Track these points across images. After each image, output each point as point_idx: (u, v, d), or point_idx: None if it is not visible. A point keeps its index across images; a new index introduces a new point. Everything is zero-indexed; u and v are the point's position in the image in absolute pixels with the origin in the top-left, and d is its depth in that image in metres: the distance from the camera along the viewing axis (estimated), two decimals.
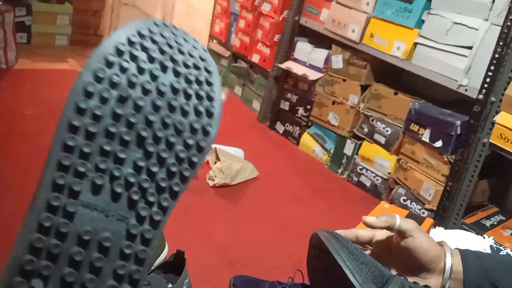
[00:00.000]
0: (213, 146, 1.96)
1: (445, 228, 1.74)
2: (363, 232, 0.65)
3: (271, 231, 1.63)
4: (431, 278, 0.61)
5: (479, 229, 1.68)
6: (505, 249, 0.72)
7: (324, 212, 1.81)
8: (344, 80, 2.17)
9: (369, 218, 0.63)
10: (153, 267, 1.18)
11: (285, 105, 2.48)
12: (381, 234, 0.66)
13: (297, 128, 2.42)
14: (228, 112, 2.63)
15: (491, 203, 1.88)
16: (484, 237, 0.76)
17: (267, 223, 1.67)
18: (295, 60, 2.41)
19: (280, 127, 2.52)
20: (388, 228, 0.61)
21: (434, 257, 0.60)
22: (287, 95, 2.47)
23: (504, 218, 1.78)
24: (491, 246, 0.73)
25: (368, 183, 2.08)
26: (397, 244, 0.62)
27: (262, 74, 2.64)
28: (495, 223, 1.75)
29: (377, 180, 2.05)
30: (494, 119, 1.56)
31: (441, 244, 0.64)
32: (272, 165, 2.14)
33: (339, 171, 2.20)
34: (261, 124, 2.58)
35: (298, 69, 2.33)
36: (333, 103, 2.21)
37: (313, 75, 2.25)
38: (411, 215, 1.76)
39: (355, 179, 2.13)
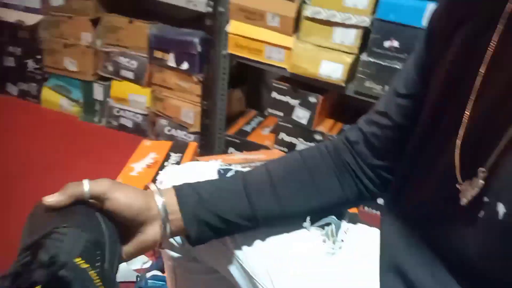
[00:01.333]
0: None
1: (213, 146, 1.78)
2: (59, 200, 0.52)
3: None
4: (148, 229, 0.56)
5: (242, 136, 1.76)
6: (233, 167, 0.72)
7: (88, 171, 1.62)
8: (70, 18, 1.89)
9: (50, 199, 0.51)
10: None
11: (9, 61, 2.07)
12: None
13: (34, 84, 2.07)
14: None
15: (250, 108, 1.98)
16: (214, 162, 0.74)
17: (15, 208, 1.41)
18: (5, 5, 1.99)
19: (12, 89, 2.11)
20: (79, 198, 0.52)
21: (141, 208, 0.55)
22: (9, 49, 2.06)
23: (262, 119, 1.91)
24: (218, 171, 0.71)
25: (129, 124, 1.95)
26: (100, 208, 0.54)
27: None
28: (254, 126, 1.86)
29: (138, 118, 1.93)
30: (226, 29, 1.56)
31: (148, 187, 0.59)
32: (12, 139, 1.80)
33: (95, 119, 2.00)
34: None
35: (10, 16, 1.93)
36: (65, 46, 1.93)
37: (30, 19, 1.90)
38: (176, 144, 1.73)
39: (115, 123, 1.97)
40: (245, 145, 1.74)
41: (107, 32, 1.87)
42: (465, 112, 0.49)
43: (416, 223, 0.55)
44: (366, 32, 1.38)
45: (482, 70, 0.48)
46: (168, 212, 0.57)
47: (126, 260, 0.57)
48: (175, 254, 0.74)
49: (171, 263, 0.76)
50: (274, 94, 1.63)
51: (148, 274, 1.21)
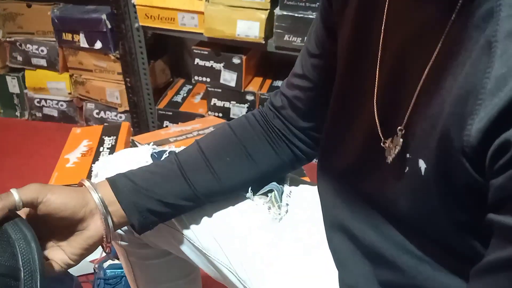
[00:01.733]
0: None
1: (146, 122, 1.73)
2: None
3: None
4: (90, 224, 0.55)
5: (174, 107, 1.71)
6: (168, 149, 0.70)
7: (21, 169, 1.55)
8: None
9: None
10: None
11: None
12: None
13: None
14: None
15: (177, 77, 1.91)
16: (146, 146, 0.72)
17: None
18: None
19: None
20: (13, 209, 0.50)
21: (77, 205, 0.54)
22: None
23: (191, 87, 1.86)
24: (151, 155, 0.69)
25: (55, 113, 1.86)
26: (36, 215, 0.53)
27: None
28: (185, 95, 1.81)
29: (62, 105, 1.84)
30: (133, 1, 1.47)
31: (81, 184, 0.57)
32: None
33: (17, 114, 1.89)
34: None
35: None
36: None
37: None
38: (106, 128, 1.67)
39: (39, 114, 1.87)
40: (179, 117, 1.70)
41: (6, 21, 1.72)
42: (376, 70, 0.48)
43: (348, 180, 0.56)
44: None
45: (383, 25, 0.47)
46: (106, 205, 0.56)
47: (74, 264, 0.55)
48: (125, 243, 0.73)
49: (124, 253, 0.76)
50: (197, 60, 1.57)
51: (105, 264, 1.19)
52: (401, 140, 0.45)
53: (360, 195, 0.54)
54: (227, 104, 1.63)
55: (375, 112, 0.49)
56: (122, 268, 1.15)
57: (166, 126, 1.73)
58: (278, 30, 1.38)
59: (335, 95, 0.58)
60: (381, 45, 0.48)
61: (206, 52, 1.55)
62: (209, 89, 1.62)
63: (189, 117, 1.67)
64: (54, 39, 1.71)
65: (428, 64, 0.42)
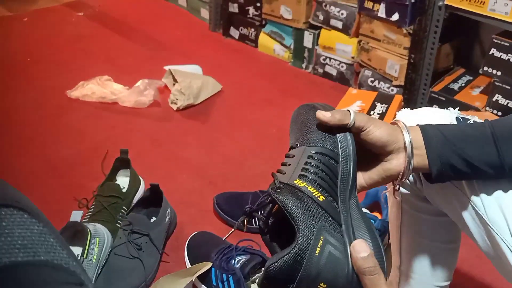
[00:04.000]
0: (167, 68, 1.87)
1: (416, 101, 1.76)
2: (338, 118, 0.61)
3: (247, 141, 1.62)
4: (393, 159, 0.62)
5: (449, 94, 1.70)
6: (471, 118, 0.71)
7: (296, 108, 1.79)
8: None
9: (323, 114, 0.60)
10: (132, 206, 1.18)
11: (234, 8, 2.35)
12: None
13: (252, 29, 2.31)
14: (175, 26, 2.49)
15: (457, 65, 1.88)
16: (449, 110, 0.75)
17: (241, 134, 1.66)
18: None
19: (235, 32, 2.40)
20: (343, 125, 0.60)
21: (389, 140, 0.60)
22: None
23: (471, 78, 1.80)
24: (457, 118, 0.71)
25: (334, 72, 2.05)
26: (358, 138, 0.62)
27: None
28: (463, 84, 1.76)
29: (342, 67, 2.01)
30: None
31: (395, 123, 0.64)
32: (235, 74, 2.07)
33: (303, 65, 2.15)
34: (214, 33, 2.45)
35: None
36: None
37: None
38: (380, 95, 1.77)
39: (321, 70, 2.09)
40: (450, 104, 1.67)
41: None
42: None
43: None
44: None
45: None
46: (413, 147, 0.61)
47: (367, 188, 0.64)
48: (405, 191, 0.79)
49: (399, 198, 0.81)
50: (493, 51, 1.51)
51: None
52: None
53: None
54: (511, 104, 1.53)
55: None
56: (373, 219, 1.18)
57: None
58: None
59: None
60: None
61: (508, 44, 1.47)
62: (496, 83, 1.54)
63: (462, 107, 1.63)
64: (355, 5, 1.87)
65: None
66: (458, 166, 0.61)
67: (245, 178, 1.43)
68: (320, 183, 0.57)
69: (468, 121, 0.71)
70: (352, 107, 1.63)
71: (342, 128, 0.60)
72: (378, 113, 1.63)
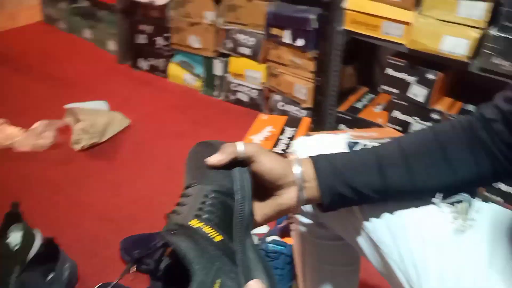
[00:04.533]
0: (67, 106, 1.76)
1: (324, 122, 1.80)
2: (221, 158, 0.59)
3: (156, 178, 1.55)
4: (285, 193, 0.61)
5: (353, 113, 1.75)
6: (361, 142, 0.73)
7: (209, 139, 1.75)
8: None
9: (213, 159, 0.59)
10: (26, 263, 1.06)
11: (141, 39, 2.29)
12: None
13: (161, 60, 2.26)
14: (80, 60, 2.38)
15: (361, 85, 1.95)
16: (344, 135, 0.76)
17: (150, 171, 1.58)
18: None
19: (143, 64, 2.34)
20: (234, 158, 0.58)
21: (281, 174, 0.60)
22: (142, 27, 2.27)
23: (373, 96, 1.87)
24: (347, 143, 0.72)
25: (245, 98, 2.05)
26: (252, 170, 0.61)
27: (109, 10, 2.38)
28: (366, 103, 1.83)
29: (253, 93, 2.02)
30: (343, 5, 1.55)
31: (287, 156, 0.64)
32: (145, 107, 2.00)
33: (215, 93, 2.13)
34: (122, 65, 2.37)
35: None
36: (190, 24, 2.07)
37: None
38: (290, 118, 1.78)
39: (233, 97, 2.08)
40: (356, 122, 1.73)
41: (227, 11, 1.96)
42: None
43: None
44: (496, 5, 1.27)
45: None
46: (305, 180, 0.61)
47: (260, 224, 0.62)
48: (305, 219, 0.79)
49: (300, 227, 0.82)
50: (389, 71, 1.58)
51: (268, 239, 1.29)
52: None
53: None
54: (409, 119, 1.60)
55: None
56: (282, 246, 1.23)
57: (341, 129, 1.77)
58: (488, 51, 1.31)
59: None
60: None
61: (401, 64, 1.55)
62: (394, 100, 1.61)
63: (366, 124, 1.69)
64: (262, 32, 1.89)
65: None
66: (347, 194, 0.62)
67: (155, 218, 1.34)
68: (217, 222, 0.54)
69: (358, 145, 0.73)
70: (262, 134, 1.63)
71: (238, 162, 0.59)
72: (288, 137, 1.64)
